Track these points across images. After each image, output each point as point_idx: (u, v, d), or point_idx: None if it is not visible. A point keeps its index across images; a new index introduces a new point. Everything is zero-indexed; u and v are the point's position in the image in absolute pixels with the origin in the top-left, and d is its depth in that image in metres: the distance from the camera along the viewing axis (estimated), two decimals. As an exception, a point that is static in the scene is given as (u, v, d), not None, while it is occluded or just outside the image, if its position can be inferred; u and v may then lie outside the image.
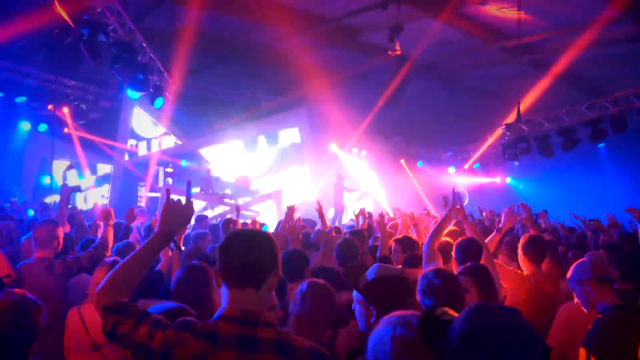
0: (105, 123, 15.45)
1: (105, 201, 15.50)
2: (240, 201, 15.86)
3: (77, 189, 6.56)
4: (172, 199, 2.35)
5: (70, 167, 6.89)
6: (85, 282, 4.41)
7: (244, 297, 2.08)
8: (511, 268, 4.82)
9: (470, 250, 4.34)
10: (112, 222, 5.04)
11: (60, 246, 4.74)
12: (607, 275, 3.47)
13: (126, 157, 16.52)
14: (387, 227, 6.88)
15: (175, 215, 2.35)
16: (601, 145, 15.69)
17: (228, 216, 12.09)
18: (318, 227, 9.61)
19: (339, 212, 15.10)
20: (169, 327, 2.04)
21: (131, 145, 16.90)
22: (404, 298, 2.78)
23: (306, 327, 3.12)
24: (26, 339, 2.49)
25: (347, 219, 14.93)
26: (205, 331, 2.02)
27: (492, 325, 1.50)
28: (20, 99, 12.80)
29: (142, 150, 17.19)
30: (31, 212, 9.91)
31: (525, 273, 4.72)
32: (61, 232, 4.76)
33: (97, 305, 2.14)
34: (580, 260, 3.61)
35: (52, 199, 12.78)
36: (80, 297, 4.17)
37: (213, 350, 1.99)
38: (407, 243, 5.38)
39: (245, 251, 2.11)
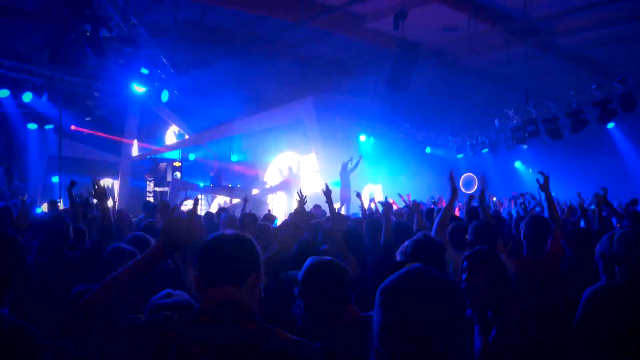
0: (112, 119, 15.45)
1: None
2: (254, 192, 15.87)
3: (87, 202, 6.46)
4: (181, 213, 2.22)
5: (72, 184, 6.76)
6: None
7: (224, 291, 2.02)
8: None
9: (485, 233, 4.21)
10: (107, 200, 4.77)
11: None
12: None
13: (134, 153, 16.51)
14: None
15: (179, 232, 2.20)
16: (611, 126, 15.53)
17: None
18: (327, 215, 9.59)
19: (345, 200, 15.02)
20: (144, 323, 2.01)
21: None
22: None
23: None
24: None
25: (356, 208, 14.85)
26: (183, 322, 1.97)
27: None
28: (27, 98, 12.80)
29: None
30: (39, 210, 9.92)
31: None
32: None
33: (83, 311, 2.09)
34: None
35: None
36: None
37: (192, 341, 1.92)
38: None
39: (225, 252, 2.06)
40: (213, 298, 2.01)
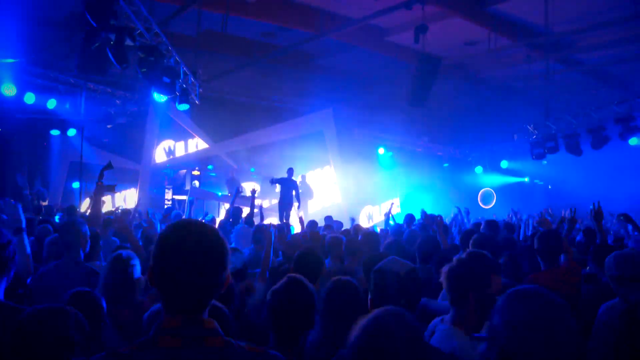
0: (133, 126, 15.62)
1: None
2: (267, 203, 15.92)
3: (112, 188, 6.31)
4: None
5: (109, 166, 6.54)
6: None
7: (192, 314, 1.76)
8: None
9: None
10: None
11: (88, 247, 4.54)
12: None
13: (153, 160, 16.65)
14: None
15: None
16: (634, 142, 15.27)
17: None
18: (345, 228, 9.66)
19: (285, 209, 13.93)
20: None
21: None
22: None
23: (336, 323, 3.09)
24: (57, 349, 2.33)
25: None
26: (145, 352, 1.69)
27: None
28: (51, 104, 12.99)
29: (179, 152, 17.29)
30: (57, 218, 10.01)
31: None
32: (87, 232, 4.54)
33: None
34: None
35: (85, 205, 12.97)
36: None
37: None
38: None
39: (195, 274, 1.72)
40: (174, 315, 1.74)
